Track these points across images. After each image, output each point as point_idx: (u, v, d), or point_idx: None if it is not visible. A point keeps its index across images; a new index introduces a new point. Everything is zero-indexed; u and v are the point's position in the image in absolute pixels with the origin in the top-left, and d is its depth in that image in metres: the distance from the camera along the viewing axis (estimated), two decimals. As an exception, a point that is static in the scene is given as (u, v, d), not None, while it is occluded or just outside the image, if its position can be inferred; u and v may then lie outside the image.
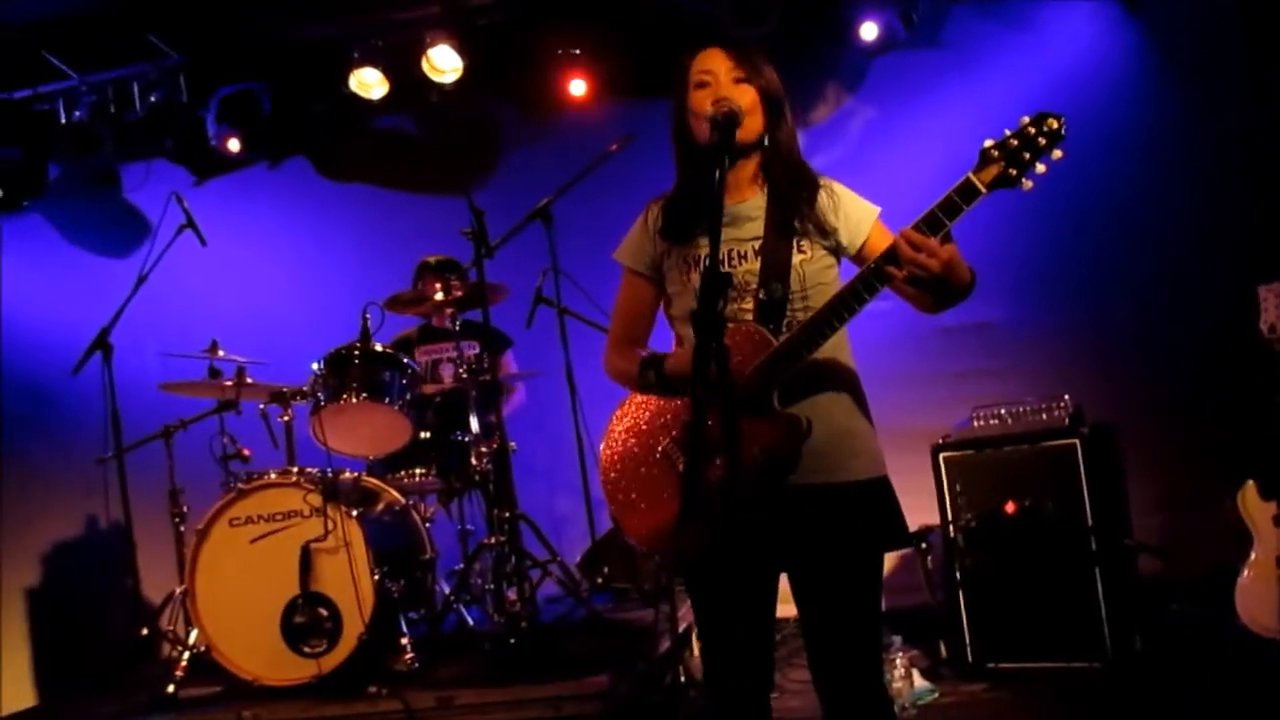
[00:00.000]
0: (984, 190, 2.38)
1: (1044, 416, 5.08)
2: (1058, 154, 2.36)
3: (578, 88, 6.54)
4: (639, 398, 2.86)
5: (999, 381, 5.88)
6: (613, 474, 2.83)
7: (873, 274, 2.48)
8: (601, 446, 2.88)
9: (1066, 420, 5.01)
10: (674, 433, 2.73)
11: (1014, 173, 2.37)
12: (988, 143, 2.39)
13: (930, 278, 2.42)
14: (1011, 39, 6.21)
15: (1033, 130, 2.36)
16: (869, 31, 6.08)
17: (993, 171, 2.38)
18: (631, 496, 2.79)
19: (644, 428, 2.81)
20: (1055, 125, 2.35)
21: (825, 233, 2.73)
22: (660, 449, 2.75)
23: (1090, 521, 4.80)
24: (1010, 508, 4.91)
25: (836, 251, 2.77)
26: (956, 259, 2.45)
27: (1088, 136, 5.91)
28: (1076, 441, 4.89)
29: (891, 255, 2.44)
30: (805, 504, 2.63)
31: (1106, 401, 5.50)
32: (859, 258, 2.74)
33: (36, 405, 6.90)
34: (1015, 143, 2.37)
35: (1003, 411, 5.17)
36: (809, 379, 2.65)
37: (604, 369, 2.97)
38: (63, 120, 6.72)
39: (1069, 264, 6.00)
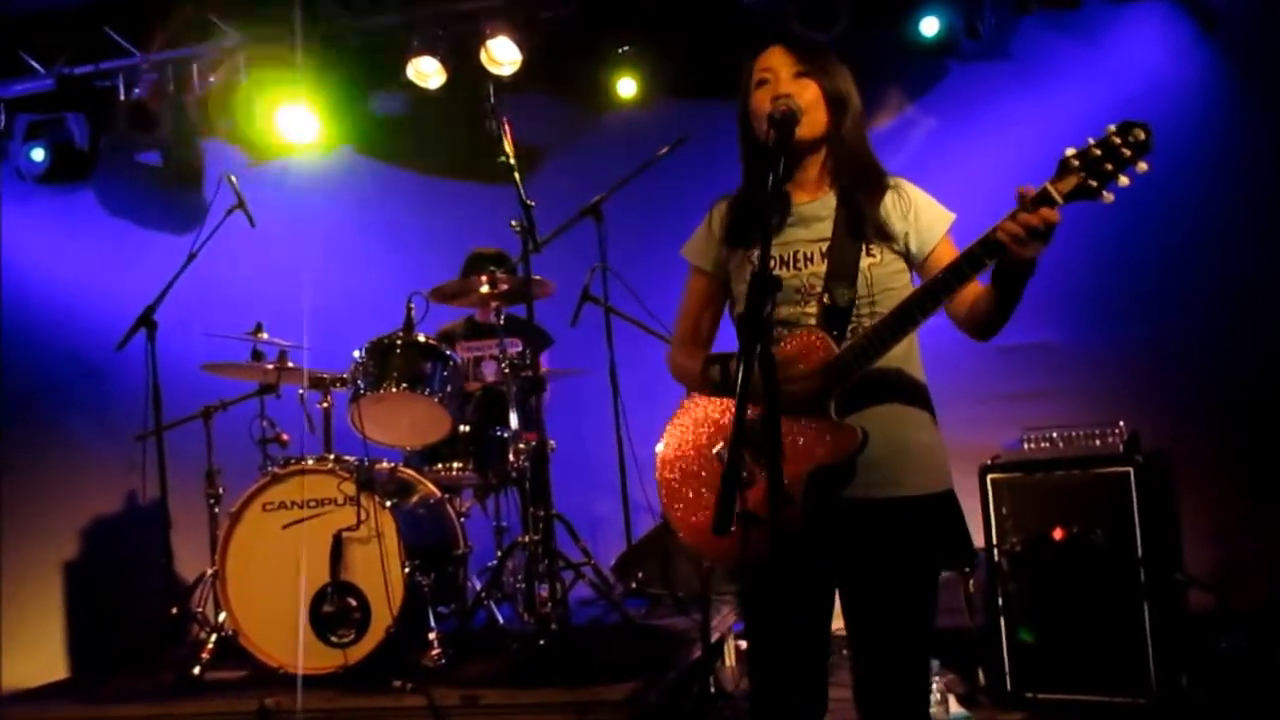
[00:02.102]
0: (1060, 200, 2.27)
1: (1097, 442, 4.95)
2: (1143, 166, 2.24)
3: (626, 88, 6.48)
4: (700, 398, 2.78)
5: (1052, 403, 5.76)
6: (669, 473, 2.76)
7: (958, 265, 2.37)
8: (659, 445, 2.80)
9: (1121, 447, 4.88)
10: (723, 438, 2.64)
11: (1094, 184, 2.25)
12: (1069, 151, 2.27)
13: (1028, 251, 2.29)
14: (1080, 54, 6.09)
15: (1118, 139, 2.24)
16: (930, 27, 5.97)
17: (1071, 181, 2.27)
18: (688, 497, 2.71)
19: (702, 429, 2.73)
20: (1142, 135, 2.23)
21: (891, 236, 2.63)
22: (716, 451, 2.66)
23: (1141, 552, 4.67)
24: (1058, 534, 4.78)
25: (907, 256, 2.66)
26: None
27: (1154, 156, 5.79)
28: (1130, 469, 4.76)
29: (1002, 223, 2.32)
30: (860, 518, 2.54)
31: (1163, 429, 5.37)
32: (924, 268, 2.63)
33: (82, 379, 6.96)
34: (1098, 152, 2.25)
35: (1055, 435, 5.04)
36: (871, 388, 2.56)
37: (667, 367, 2.90)
38: (122, 97, 6.75)
39: (1130, 287, 5.87)
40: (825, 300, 2.57)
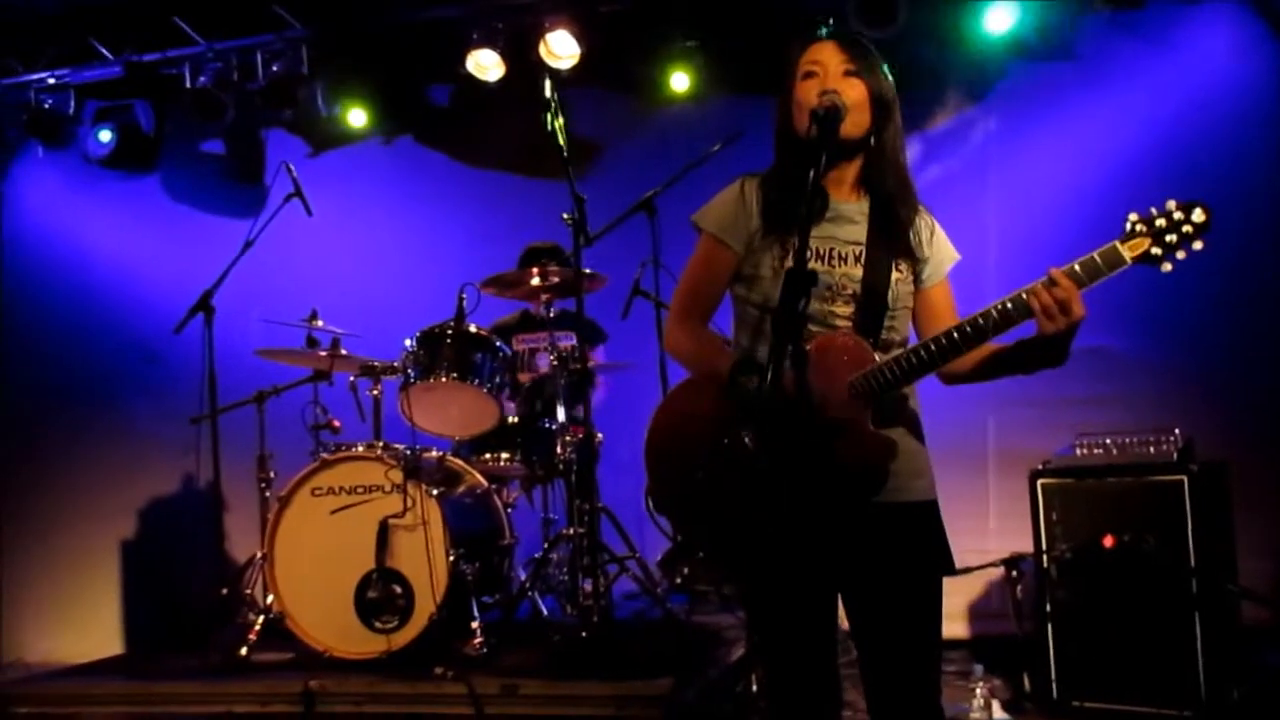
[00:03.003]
0: (1129, 262, 2.36)
1: (1151, 449, 4.86)
2: (1198, 245, 2.34)
3: (680, 82, 6.46)
4: (703, 381, 2.71)
5: (1106, 409, 5.67)
6: (662, 445, 2.71)
7: (1010, 304, 2.42)
8: (654, 416, 2.76)
9: (1175, 455, 4.79)
10: (748, 430, 2.55)
11: (1158, 252, 2.34)
12: (1133, 216, 2.37)
13: (1056, 331, 2.37)
14: (1145, 54, 5.98)
15: (1180, 216, 2.34)
16: (1000, 22, 5.88)
17: (1140, 246, 2.35)
18: (681, 475, 2.63)
19: (711, 413, 2.60)
20: (1203, 218, 2.34)
21: (918, 258, 2.68)
22: (728, 441, 2.54)
23: (1193, 562, 4.57)
24: (1109, 541, 4.70)
25: (919, 280, 2.70)
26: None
27: (1217, 159, 5.68)
28: (1184, 478, 4.66)
29: (1034, 288, 2.39)
30: (868, 521, 2.54)
31: (1218, 438, 5.26)
32: (919, 297, 2.70)
33: (143, 361, 7.08)
34: (1162, 223, 2.34)
35: (1108, 441, 4.96)
36: (902, 406, 2.61)
37: (665, 341, 2.82)
38: (188, 85, 6.85)
39: (1188, 293, 5.74)
40: (862, 306, 2.59)
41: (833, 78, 2.60)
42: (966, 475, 5.73)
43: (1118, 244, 2.36)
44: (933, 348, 2.47)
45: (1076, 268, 2.36)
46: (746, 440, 2.54)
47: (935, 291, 2.71)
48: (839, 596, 2.65)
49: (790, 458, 2.35)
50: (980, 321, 2.43)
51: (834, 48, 2.64)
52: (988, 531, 5.59)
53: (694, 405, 2.69)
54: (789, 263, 2.58)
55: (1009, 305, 2.41)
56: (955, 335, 2.45)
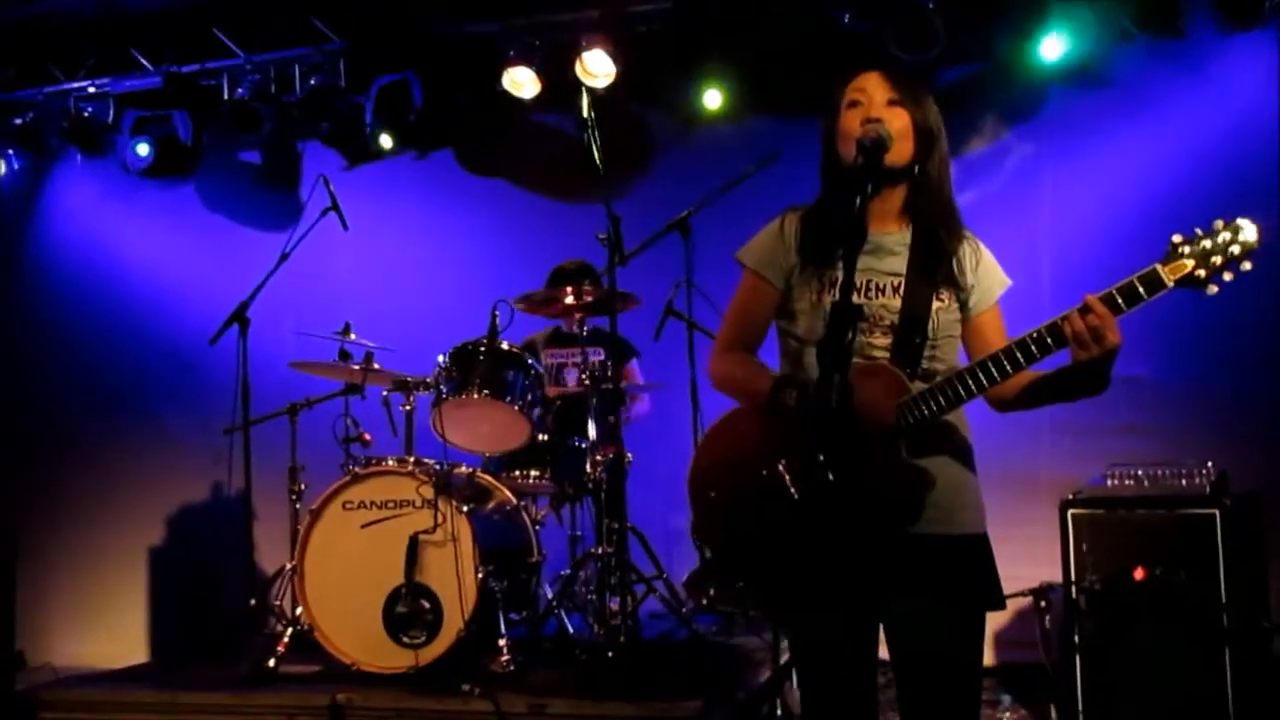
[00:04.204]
0: (1170, 285, 2.30)
1: (1183, 482, 4.82)
2: (1247, 266, 2.27)
3: (713, 100, 6.46)
4: (747, 411, 2.73)
5: (1138, 439, 5.65)
6: (706, 478, 2.73)
7: (1046, 332, 2.39)
8: (697, 451, 2.78)
9: (1208, 488, 4.75)
10: (786, 460, 2.58)
11: (1202, 274, 2.28)
12: (1176, 238, 2.31)
13: (1098, 354, 2.32)
14: (1184, 84, 5.95)
15: (1227, 237, 2.27)
16: (1052, 49, 5.87)
17: (1183, 268, 2.29)
18: (725, 507, 2.68)
19: (752, 444, 2.64)
20: (1253, 237, 2.27)
21: (961, 286, 2.65)
22: (768, 471, 2.58)
23: (1225, 598, 4.54)
24: (1139, 574, 4.67)
25: (965, 307, 2.68)
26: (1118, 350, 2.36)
27: (1255, 187, 5.66)
28: (1216, 511, 4.63)
29: (1069, 314, 2.35)
30: (913, 552, 2.53)
31: (1252, 472, 5.22)
32: (970, 325, 2.68)
33: (177, 370, 7.13)
34: (1207, 245, 2.28)
35: (1140, 472, 4.93)
36: (931, 427, 2.55)
37: (708, 373, 2.84)
38: (226, 96, 6.91)
39: (1226, 324, 5.71)
40: (899, 336, 2.58)
41: (877, 107, 2.60)
42: (995, 501, 5.69)
43: (1158, 266, 2.30)
44: (968, 379, 2.46)
45: (1114, 293, 2.32)
46: (782, 469, 2.58)
47: (985, 319, 2.68)
48: (879, 627, 2.64)
49: (828, 487, 2.33)
50: (1015, 352, 2.42)
51: (878, 78, 2.65)
52: (1016, 559, 5.54)
53: (736, 436, 2.72)
54: (825, 296, 2.63)
55: (1043, 333, 2.39)
56: (990, 366, 2.44)
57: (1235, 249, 2.26)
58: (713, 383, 2.84)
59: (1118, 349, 2.34)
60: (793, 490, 2.55)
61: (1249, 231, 2.26)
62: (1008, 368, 2.43)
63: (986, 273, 2.70)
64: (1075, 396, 2.51)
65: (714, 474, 2.72)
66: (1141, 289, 2.30)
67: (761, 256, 2.75)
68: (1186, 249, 2.29)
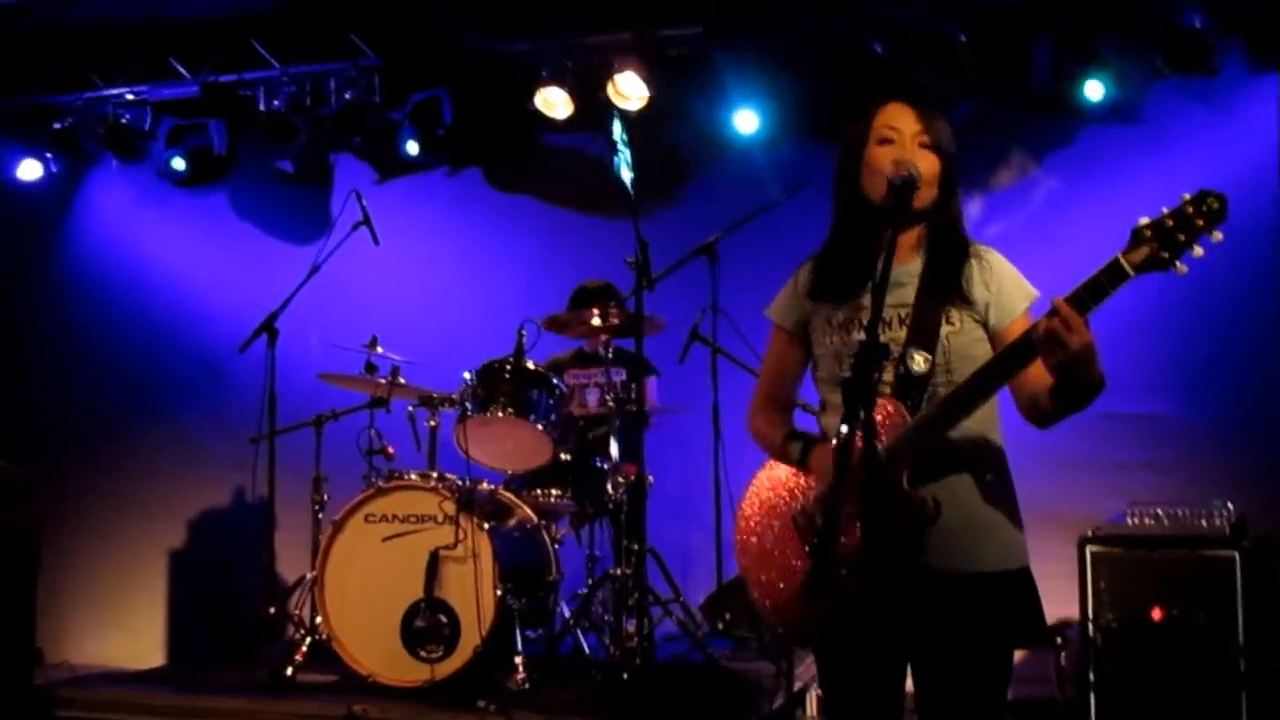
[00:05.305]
0: (1131, 273, 2.24)
1: (1203, 522, 4.83)
2: (1218, 236, 2.19)
3: (745, 124, 6.47)
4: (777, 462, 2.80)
5: (1158, 478, 5.63)
6: (750, 522, 2.77)
7: (1013, 349, 2.39)
8: (744, 497, 2.81)
9: (1227, 529, 4.76)
10: (799, 504, 2.65)
11: (1166, 255, 2.21)
12: (1142, 221, 2.24)
13: (1066, 357, 2.27)
14: (1213, 122, 5.95)
15: (1191, 210, 2.20)
16: (1095, 91, 5.87)
17: (1143, 253, 2.22)
18: (759, 556, 2.72)
19: (784, 489, 2.73)
20: (1215, 205, 2.18)
21: (971, 302, 2.60)
22: (793, 513, 2.67)
23: (1242, 640, 4.54)
24: (1157, 614, 4.67)
25: (986, 327, 2.62)
26: (1092, 347, 2.30)
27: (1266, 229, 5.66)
28: (1236, 553, 4.64)
29: (1037, 321, 2.33)
30: (933, 591, 2.51)
31: (1272, 513, 5.21)
32: (997, 342, 2.59)
33: (203, 377, 7.19)
34: (1170, 223, 2.21)
35: (1159, 511, 4.93)
36: (946, 457, 2.53)
37: (747, 429, 2.91)
38: (261, 107, 6.98)
39: (1249, 363, 5.72)
40: (900, 369, 2.53)
41: (909, 148, 2.59)
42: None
43: (1120, 255, 2.25)
44: (957, 398, 2.45)
45: (1080, 290, 2.28)
46: (803, 510, 2.63)
47: (1013, 330, 2.56)
48: (906, 666, 2.64)
49: (842, 526, 2.33)
50: (995, 366, 2.42)
51: (911, 115, 2.63)
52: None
53: (772, 482, 2.78)
54: (834, 337, 2.66)
55: (1018, 342, 2.39)
56: (972, 382, 2.43)
57: (1200, 221, 2.19)
58: (751, 436, 2.90)
59: (1088, 349, 2.27)
60: (799, 540, 2.62)
61: (1214, 200, 2.18)
62: (990, 383, 2.43)
63: (1003, 284, 2.62)
64: (1070, 400, 2.42)
65: (759, 514, 2.76)
66: (1106, 282, 2.26)
67: (779, 306, 2.82)
68: (1149, 232, 2.22)
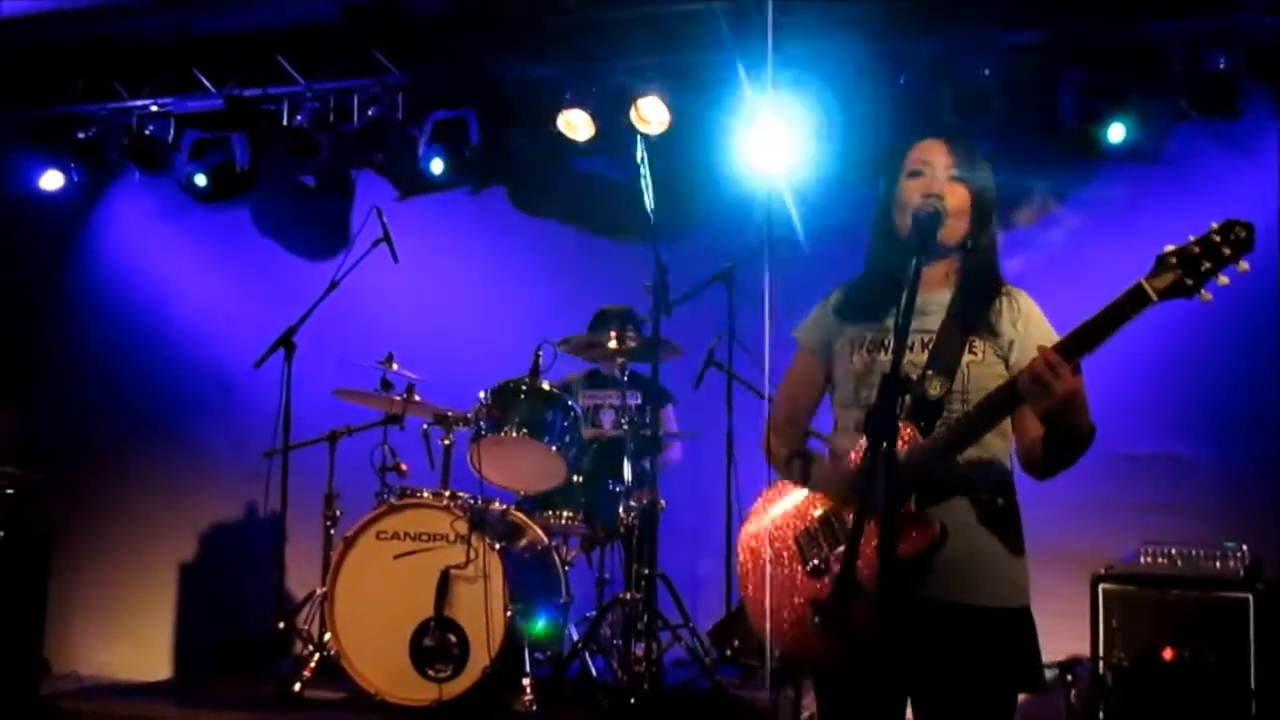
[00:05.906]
0: (1155, 298, 2.24)
1: (1217, 564, 4.80)
2: (1244, 266, 2.20)
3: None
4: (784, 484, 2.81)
5: (1173, 518, 5.59)
6: (745, 553, 2.77)
7: (1000, 392, 2.42)
8: (746, 520, 2.82)
9: (1241, 572, 4.73)
10: (801, 525, 2.66)
11: (1190, 282, 2.21)
12: (1168, 248, 2.25)
13: (1053, 404, 2.28)
14: (1236, 165, 5.94)
15: (1218, 238, 2.19)
16: (1117, 133, 5.88)
17: (1168, 279, 2.23)
18: (764, 574, 2.71)
19: (785, 513, 2.73)
20: (1243, 234, 2.18)
21: (997, 335, 2.61)
22: (795, 533, 2.67)
23: (1253, 683, 4.51)
24: (1168, 654, 4.64)
25: (1008, 363, 2.62)
26: (1079, 394, 2.32)
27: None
28: (1250, 596, 4.60)
29: (1020, 373, 2.35)
30: (935, 623, 2.49)
31: (1286, 556, 5.18)
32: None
33: (217, 390, 7.20)
34: (1197, 249, 2.21)
35: (1173, 551, 4.90)
36: (957, 482, 2.54)
37: (762, 447, 2.92)
38: (285, 122, 7.01)
39: (1268, 408, 5.69)
40: (918, 392, 2.53)
41: (938, 181, 2.62)
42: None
43: (1144, 281, 2.24)
44: (945, 432, 2.47)
45: (1081, 328, 2.30)
46: (806, 530, 2.63)
47: None
48: (906, 697, 2.63)
49: (847, 556, 2.32)
50: (985, 403, 2.44)
51: (943, 149, 2.66)
52: (1044, 631, 5.51)
53: (778, 501, 2.79)
54: (856, 356, 2.67)
55: (1005, 385, 2.42)
56: (972, 414, 2.46)
57: (1226, 250, 2.18)
58: (765, 458, 2.91)
59: (1073, 395, 2.28)
60: (800, 561, 2.63)
61: (1241, 229, 2.18)
62: (983, 422, 2.46)
63: (1029, 326, 2.62)
64: (1063, 449, 2.45)
65: (752, 542, 2.77)
66: (1129, 306, 2.26)
67: (807, 329, 2.86)
68: (1175, 259, 2.22)
